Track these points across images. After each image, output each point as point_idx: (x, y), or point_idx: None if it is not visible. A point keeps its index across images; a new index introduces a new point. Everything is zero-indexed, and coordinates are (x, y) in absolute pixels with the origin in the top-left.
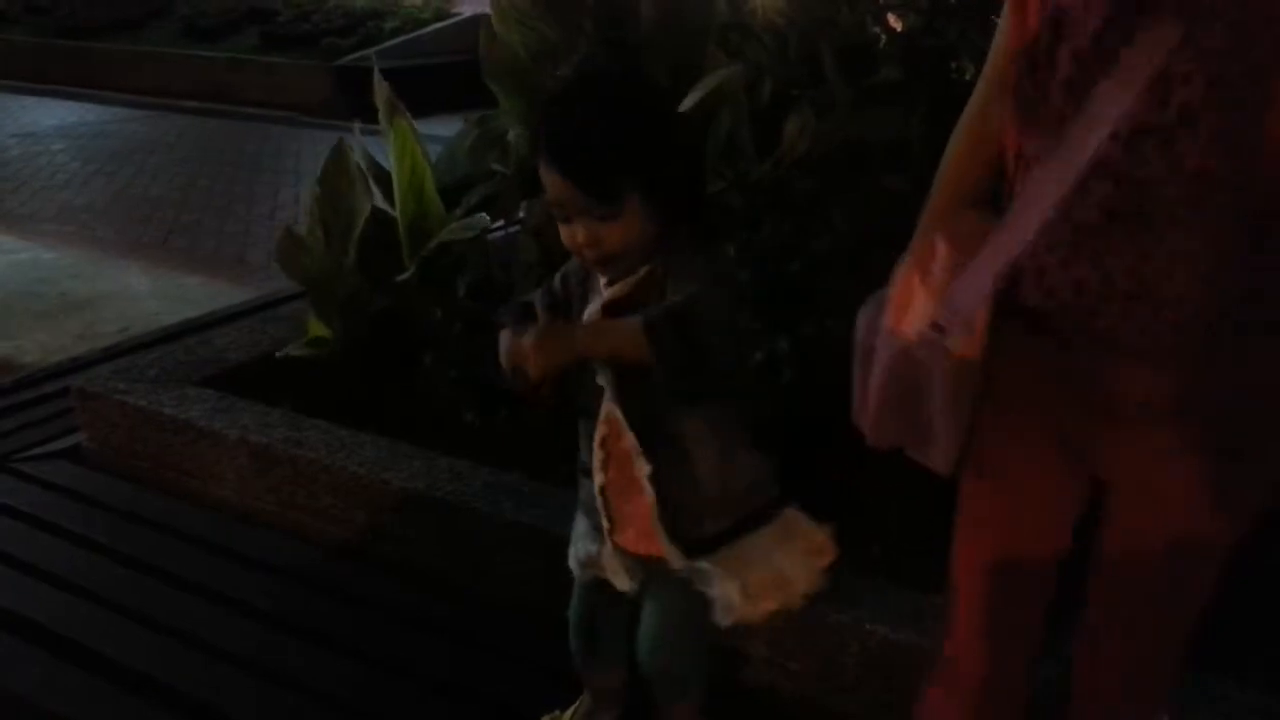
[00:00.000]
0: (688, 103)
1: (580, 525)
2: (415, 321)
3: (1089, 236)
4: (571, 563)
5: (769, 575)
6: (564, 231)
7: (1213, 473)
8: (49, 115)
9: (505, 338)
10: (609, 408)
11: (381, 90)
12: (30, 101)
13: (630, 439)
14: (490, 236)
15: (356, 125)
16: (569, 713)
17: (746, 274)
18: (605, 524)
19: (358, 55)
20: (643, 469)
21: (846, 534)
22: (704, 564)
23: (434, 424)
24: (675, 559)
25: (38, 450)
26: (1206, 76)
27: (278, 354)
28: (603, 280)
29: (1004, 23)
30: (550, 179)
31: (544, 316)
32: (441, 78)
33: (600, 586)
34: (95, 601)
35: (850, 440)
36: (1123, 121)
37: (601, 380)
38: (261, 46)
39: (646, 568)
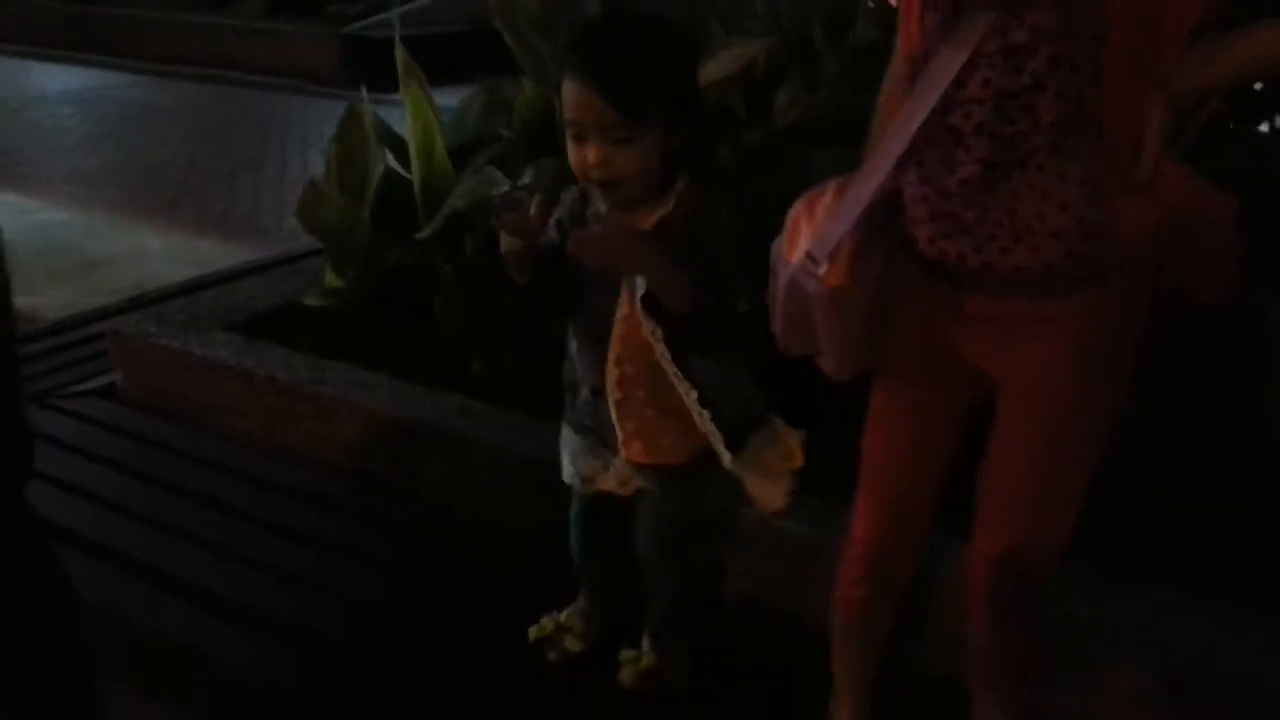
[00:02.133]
0: (711, 74)
1: (575, 443)
2: (427, 276)
3: (973, 189)
4: (568, 478)
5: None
6: (574, 152)
7: (1081, 377)
8: (56, 80)
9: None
10: (622, 332)
11: (401, 54)
12: (37, 66)
13: (667, 360)
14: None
15: (363, 91)
16: (565, 613)
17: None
18: (620, 436)
19: (364, 23)
20: (686, 389)
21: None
22: (743, 461)
23: (442, 371)
24: (726, 459)
25: (75, 389)
26: (1047, 51)
27: (300, 300)
28: (603, 208)
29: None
30: (577, 95)
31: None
32: (446, 46)
33: (597, 495)
34: (135, 518)
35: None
36: (986, 88)
37: (625, 304)
38: (268, 13)
39: (649, 475)
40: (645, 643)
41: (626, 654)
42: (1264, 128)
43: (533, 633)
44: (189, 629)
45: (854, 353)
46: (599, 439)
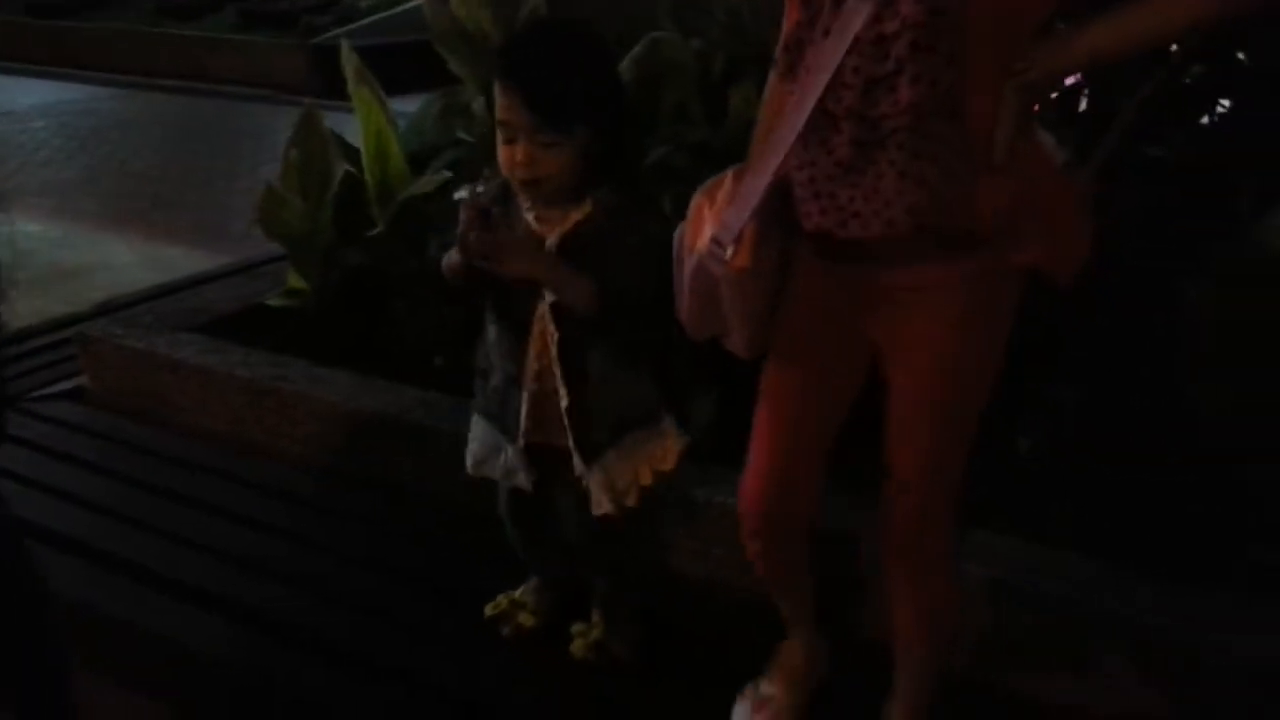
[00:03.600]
0: (622, 69)
1: (477, 429)
2: (387, 276)
3: (843, 169)
4: (469, 465)
5: (630, 476)
6: (503, 152)
7: (954, 340)
8: (27, 94)
9: (484, 232)
10: (542, 326)
11: (350, 60)
12: (7, 80)
13: (555, 362)
14: (458, 198)
15: (308, 100)
16: (519, 590)
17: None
18: (525, 425)
19: (334, 33)
20: (563, 394)
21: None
22: (593, 468)
23: (405, 367)
24: (577, 464)
25: (43, 392)
26: (910, 37)
27: (263, 301)
28: (524, 204)
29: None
30: (507, 100)
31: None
32: (416, 55)
33: (517, 490)
34: (108, 514)
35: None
36: (857, 75)
37: (544, 302)
38: (239, 25)
39: (554, 461)
40: (594, 616)
41: (577, 627)
42: (1204, 118)
43: (488, 610)
44: (161, 618)
45: (761, 331)
46: (501, 425)
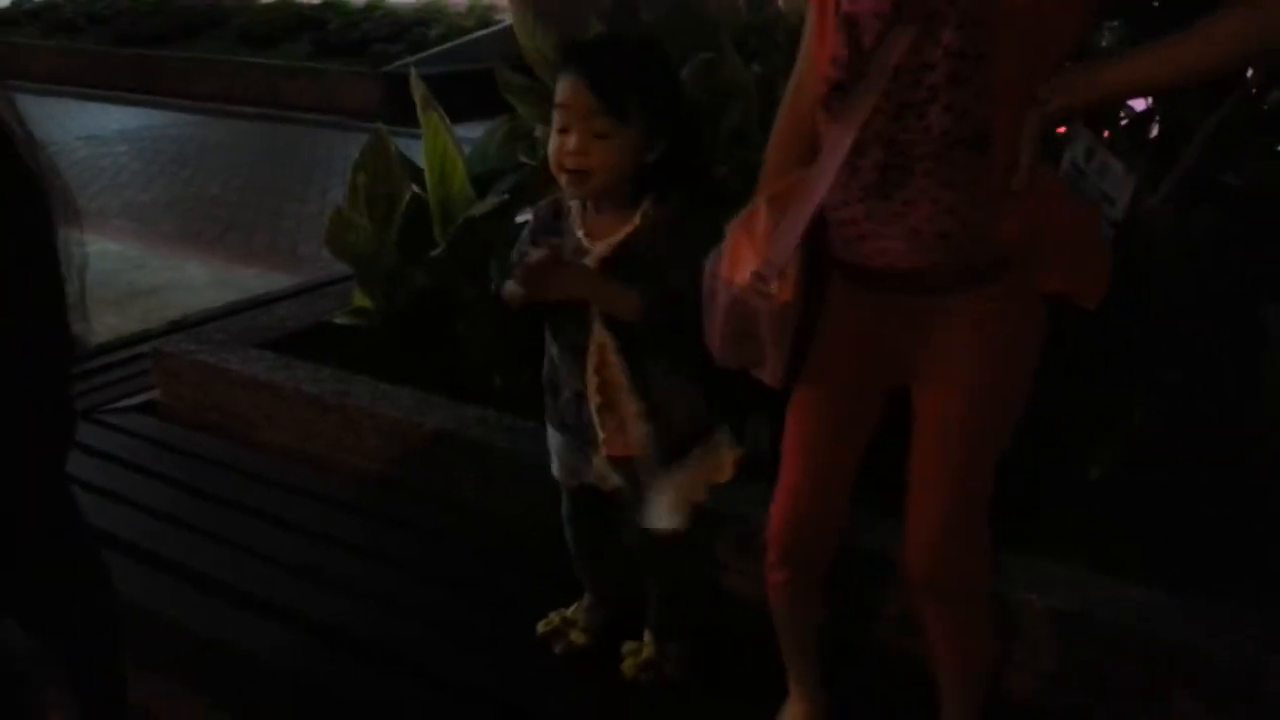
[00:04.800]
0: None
1: (558, 440)
2: (450, 297)
3: (869, 193)
4: (555, 472)
5: (693, 490)
6: (555, 142)
7: (982, 367)
8: (112, 119)
9: (533, 255)
10: (600, 340)
11: (418, 87)
12: (94, 107)
13: (622, 375)
14: (520, 222)
15: (380, 125)
16: (572, 608)
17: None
18: (600, 436)
19: (404, 61)
20: (634, 401)
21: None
22: (663, 481)
23: (466, 386)
24: (649, 472)
25: (117, 405)
26: (947, 66)
27: (330, 320)
28: (576, 220)
29: (808, 23)
30: (567, 85)
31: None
32: (484, 83)
33: (585, 490)
34: (177, 524)
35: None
36: (888, 100)
37: (598, 321)
38: (313, 53)
39: (625, 470)
40: (646, 635)
41: (628, 646)
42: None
43: (541, 627)
44: (224, 626)
45: (795, 361)
46: (581, 436)
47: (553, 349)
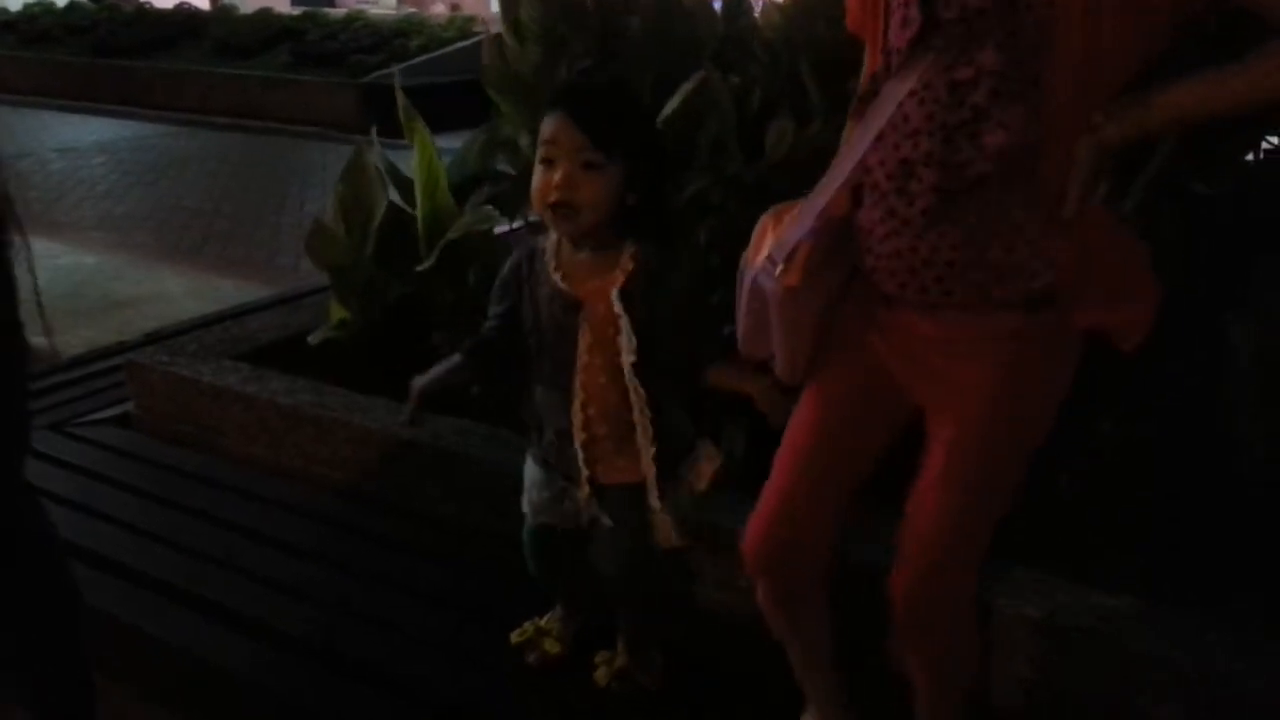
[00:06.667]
0: (667, 110)
1: (536, 475)
2: (429, 307)
3: (927, 218)
4: (525, 507)
5: (686, 506)
6: (540, 177)
7: (1003, 402)
8: (89, 131)
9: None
10: (586, 378)
11: (401, 100)
12: (72, 118)
13: (645, 419)
14: (498, 231)
15: (374, 135)
16: (545, 618)
17: (717, 257)
18: (584, 473)
19: (383, 72)
20: (649, 442)
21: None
22: (666, 502)
23: (443, 396)
24: (655, 504)
25: (90, 417)
26: (989, 85)
27: (310, 339)
28: (550, 262)
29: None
30: (553, 123)
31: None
32: (463, 94)
33: (549, 527)
34: (149, 536)
35: None
36: (931, 121)
37: (584, 354)
38: (291, 64)
39: (608, 500)
40: (620, 644)
41: (601, 655)
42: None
43: (514, 637)
44: (199, 638)
45: (801, 361)
46: (561, 474)
47: (536, 390)
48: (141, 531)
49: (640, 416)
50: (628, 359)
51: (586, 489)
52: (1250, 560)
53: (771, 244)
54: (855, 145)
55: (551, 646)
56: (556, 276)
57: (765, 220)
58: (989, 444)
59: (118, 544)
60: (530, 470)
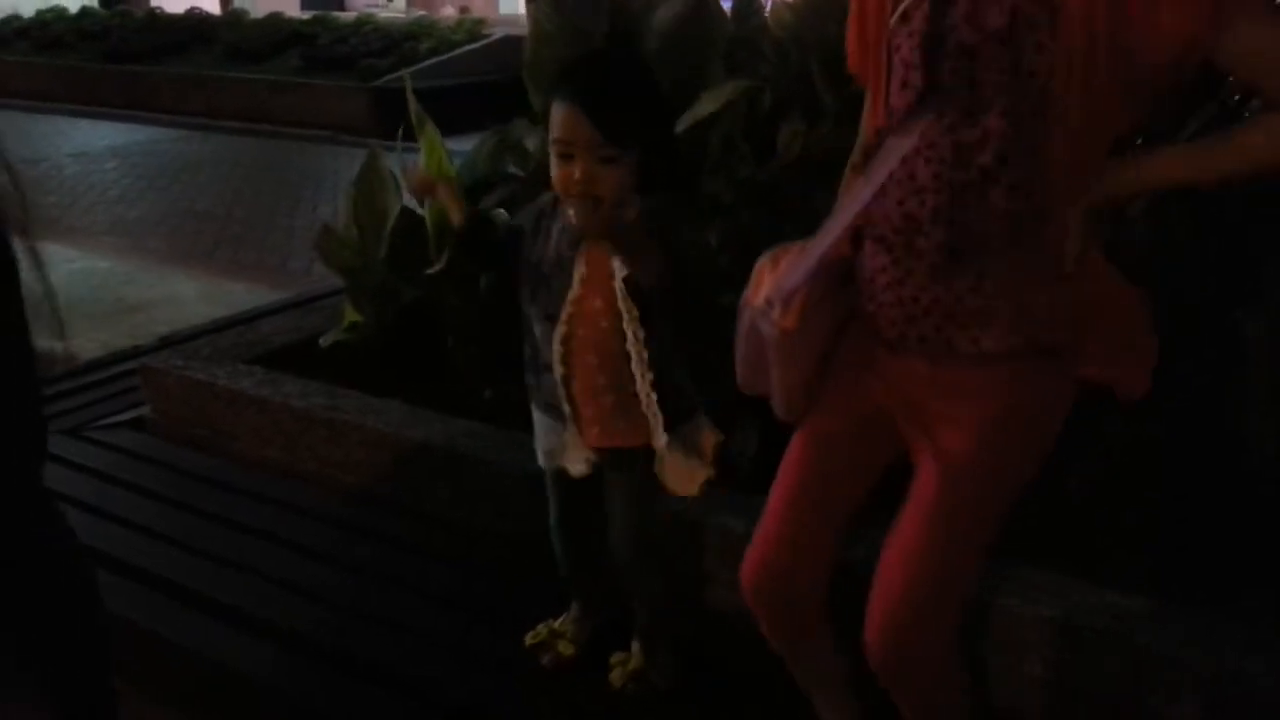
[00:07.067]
0: (690, 117)
1: (542, 423)
2: (441, 310)
3: (935, 275)
4: (541, 460)
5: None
6: (559, 170)
7: (993, 452)
8: (101, 136)
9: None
10: (575, 310)
11: (412, 104)
12: (84, 123)
13: (637, 340)
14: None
15: (400, 141)
16: (559, 620)
17: (727, 258)
18: (566, 409)
19: (394, 76)
20: (643, 369)
21: None
22: (671, 444)
23: (456, 399)
24: (660, 438)
25: (105, 421)
26: (995, 148)
27: (321, 341)
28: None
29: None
30: (566, 116)
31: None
32: (473, 96)
33: (568, 483)
34: (164, 539)
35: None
36: (938, 180)
37: (576, 287)
38: (302, 68)
39: (606, 460)
40: (634, 646)
41: (616, 656)
42: None
43: (529, 639)
44: (215, 642)
45: (799, 400)
46: (559, 414)
47: (536, 327)
48: (157, 535)
49: (635, 344)
50: (619, 274)
51: (571, 429)
52: (1260, 558)
53: (769, 287)
54: (858, 197)
55: (565, 648)
56: (571, 212)
57: (763, 263)
58: (968, 484)
59: (134, 548)
60: (536, 418)
